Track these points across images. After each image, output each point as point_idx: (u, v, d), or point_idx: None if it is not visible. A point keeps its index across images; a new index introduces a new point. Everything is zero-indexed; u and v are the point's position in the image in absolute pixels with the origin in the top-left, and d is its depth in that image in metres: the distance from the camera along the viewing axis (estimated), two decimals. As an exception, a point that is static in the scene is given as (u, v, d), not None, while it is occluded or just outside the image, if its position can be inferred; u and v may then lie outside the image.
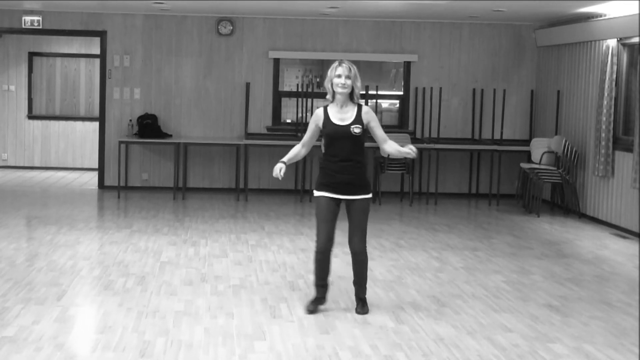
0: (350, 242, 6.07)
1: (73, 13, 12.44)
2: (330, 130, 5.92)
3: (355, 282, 6.17)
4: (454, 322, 5.95)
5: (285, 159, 6.08)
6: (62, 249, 8.15)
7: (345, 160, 5.90)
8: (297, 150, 6.12)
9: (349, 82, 5.84)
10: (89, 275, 7.12)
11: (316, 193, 6.00)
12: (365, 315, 6.06)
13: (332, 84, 5.88)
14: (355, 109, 5.96)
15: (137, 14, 12.46)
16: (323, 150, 6.04)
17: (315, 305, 6.11)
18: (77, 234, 8.93)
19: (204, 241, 8.73)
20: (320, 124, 5.96)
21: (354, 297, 6.20)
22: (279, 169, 6.00)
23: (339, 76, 5.84)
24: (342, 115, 5.92)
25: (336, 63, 5.91)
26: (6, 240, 8.47)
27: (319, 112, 6.00)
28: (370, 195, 6.00)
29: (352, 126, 5.88)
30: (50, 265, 7.43)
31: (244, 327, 5.66)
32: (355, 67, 5.91)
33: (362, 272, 6.10)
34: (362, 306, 6.10)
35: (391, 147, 6.01)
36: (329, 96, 5.96)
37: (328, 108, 5.98)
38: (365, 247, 6.09)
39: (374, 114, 6.03)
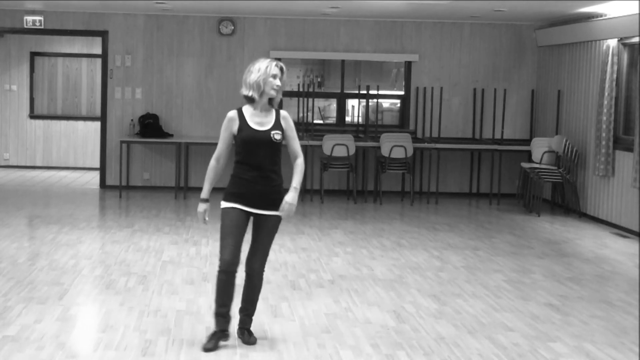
0: (248, 261, 5.28)
1: (75, 13, 12.46)
2: (246, 136, 5.14)
3: (242, 310, 5.33)
4: (455, 321, 5.96)
5: (205, 194, 5.28)
6: (63, 248, 8.17)
7: (262, 170, 5.14)
8: (215, 171, 5.26)
9: (281, 85, 5.19)
10: (91, 274, 7.14)
11: (225, 204, 5.18)
12: (367, 314, 6.07)
13: (263, 83, 5.14)
14: (274, 113, 5.23)
15: (138, 14, 12.48)
16: (235, 158, 5.24)
17: (216, 341, 5.19)
18: (79, 233, 8.95)
19: (206, 240, 8.75)
20: (235, 128, 5.17)
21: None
22: (204, 214, 5.29)
23: (275, 76, 5.14)
24: (260, 120, 5.17)
25: (268, 61, 5.19)
26: (8, 240, 8.49)
27: (232, 116, 5.21)
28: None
29: (272, 132, 5.14)
30: (52, 264, 7.44)
31: (245, 326, 5.68)
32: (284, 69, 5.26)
33: (253, 298, 5.32)
34: (248, 335, 5.33)
35: (297, 171, 5.24)
36: (252, 94, 5.16)
37: (243, 110, 5.22)
38: (263, 270, 5.34)
39: (292, 122, 5.28)
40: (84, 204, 11.16)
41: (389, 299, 6.55)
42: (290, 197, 5.18)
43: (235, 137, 5.19)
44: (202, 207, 5.29)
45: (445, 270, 7.62)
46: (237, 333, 5.37)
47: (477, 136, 12.67)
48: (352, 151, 11.64)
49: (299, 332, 5.58)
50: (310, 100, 12.40)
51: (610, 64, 10.20)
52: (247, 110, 5.22)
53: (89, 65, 15.06)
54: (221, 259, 5.16)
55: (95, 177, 13.69)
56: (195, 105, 12.58)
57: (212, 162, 5.27)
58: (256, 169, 5.14)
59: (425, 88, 12.65)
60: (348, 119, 13.24)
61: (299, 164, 5.27)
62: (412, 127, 12.70)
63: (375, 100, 12.88)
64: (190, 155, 12.39)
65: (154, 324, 5.68)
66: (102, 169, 12.68)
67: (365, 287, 6.91)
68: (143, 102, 12.57)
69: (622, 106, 10.30)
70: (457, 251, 8.53)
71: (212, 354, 5.10)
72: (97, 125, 14.33)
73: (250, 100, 5.21)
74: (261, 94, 5.16)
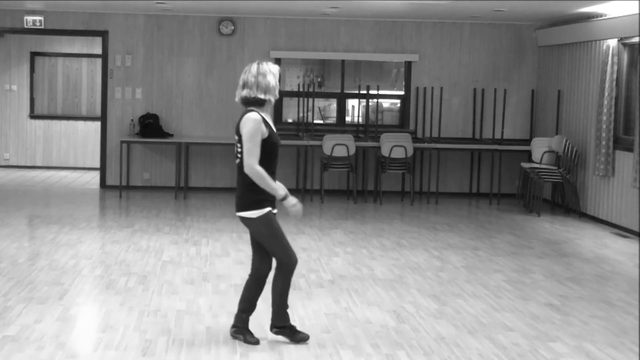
0: (262, 263, 5.33)
1: (75, 13, 12.46)
2: (277, 140, 5.20)
3: (244, 310, 5.37)
4: (455, 321, 5.96)
5: (284, 189, 5.24)
6: (63, 248, 8.17)
7: (275, 172, 5.24)
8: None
9: None
10: (91, 274, 7.14)
11: (263, 211, 5.19)
12: (367, 314, 6.07)
13: (276, 86, 5.20)
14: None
15: (138, 14, 12.48)
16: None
17: (298, 333, 5.39)
18: (79, 233, 8.95)
19: (206, 240, 8.75)
20: (265, 132, 5.11)
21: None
22: (297, 204, 5.27)
23: (279, 81, 5.24)
24: (271, 123, 5.25)
25: (271, 63, 5.25)
26: (8, 240, 8.49)
27: (259, 118, 5.09)
28: None
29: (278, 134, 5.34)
30: (52, 264, 7.45)
31: (245, 326, 5.68)
32: None
33: (257, 299, 5.40)
34: (250, 335, 5.36)
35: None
36: (269, 97, 5.16)
37: (262, 114, 5.16)
38: None
39: None
40: (84, 204, 11.16)
41: (389, 299, 6.55)
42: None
43: (262, 140, 5.10)
44: (293, 200, 5.24)
45: (445, 270, 7.62)
46: (285, 333, 5.41)
47: (477, 136, 12.67)
48: (352, 151, 11.64)
49: (299, 332, 5.58)
50: (310, 100, 12.40)
51: (610, 64, 10.20)
52: (262, 113, 5.16)
53: (89, 65, 15.06)
54: (290, 261, 5.25)
55: (95, 177, 13.69)
56: (195, 105, 12.58)
57: (259, 167, 5.08)
58: (273, 172, 5.23)
59: (425, 88, 12.65)
60: (348, 119, 13.24)
61: None
62: (412, 127, 12.70)
63: (375, 100, 12.88)
64: (190, 155, 12.39)
65: (154, 324, 5.68)
66: (102, 169, 12.68)
67: (365, 287, 6.91)
68: (143, 102, 12.57)
69: (622, 106, 10.30)
70: (457, 251, 8.53)
71: (212, 354, 5.11)
72: (97, 125, 14.32)
73: (260, 103, 5.17)
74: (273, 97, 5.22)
